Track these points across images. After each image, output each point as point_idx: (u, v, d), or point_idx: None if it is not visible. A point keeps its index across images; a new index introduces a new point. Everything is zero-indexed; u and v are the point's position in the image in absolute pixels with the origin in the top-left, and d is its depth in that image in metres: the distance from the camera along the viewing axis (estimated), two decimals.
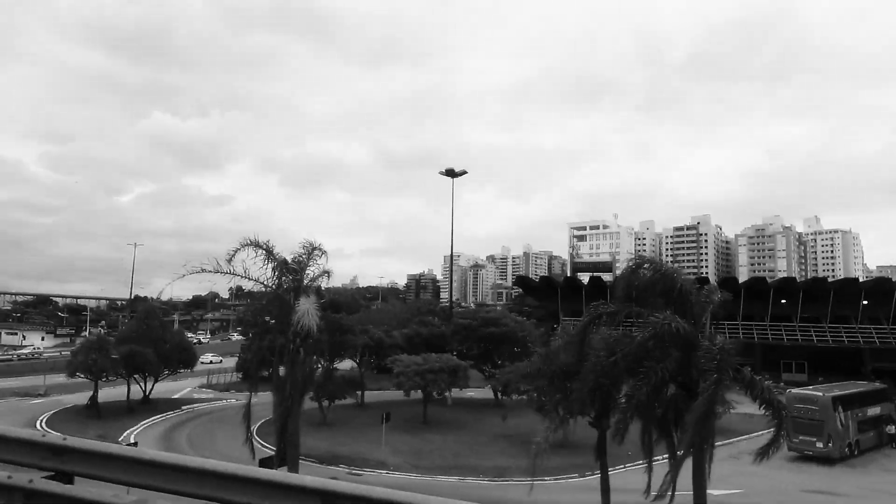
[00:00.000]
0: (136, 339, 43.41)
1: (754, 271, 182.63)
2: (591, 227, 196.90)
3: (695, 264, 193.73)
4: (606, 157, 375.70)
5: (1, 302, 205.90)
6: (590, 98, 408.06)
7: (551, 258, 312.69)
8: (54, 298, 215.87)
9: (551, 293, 73.40)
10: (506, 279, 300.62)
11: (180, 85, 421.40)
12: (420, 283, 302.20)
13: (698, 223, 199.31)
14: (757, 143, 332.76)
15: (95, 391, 42.88)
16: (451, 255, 73.67)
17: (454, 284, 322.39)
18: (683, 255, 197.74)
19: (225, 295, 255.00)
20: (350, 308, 43.83)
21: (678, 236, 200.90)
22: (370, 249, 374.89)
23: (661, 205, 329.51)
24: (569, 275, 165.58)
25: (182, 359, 46.01)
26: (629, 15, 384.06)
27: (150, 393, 45.43)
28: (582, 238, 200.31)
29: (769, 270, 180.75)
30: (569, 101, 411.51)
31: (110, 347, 40.58)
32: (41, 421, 40.32)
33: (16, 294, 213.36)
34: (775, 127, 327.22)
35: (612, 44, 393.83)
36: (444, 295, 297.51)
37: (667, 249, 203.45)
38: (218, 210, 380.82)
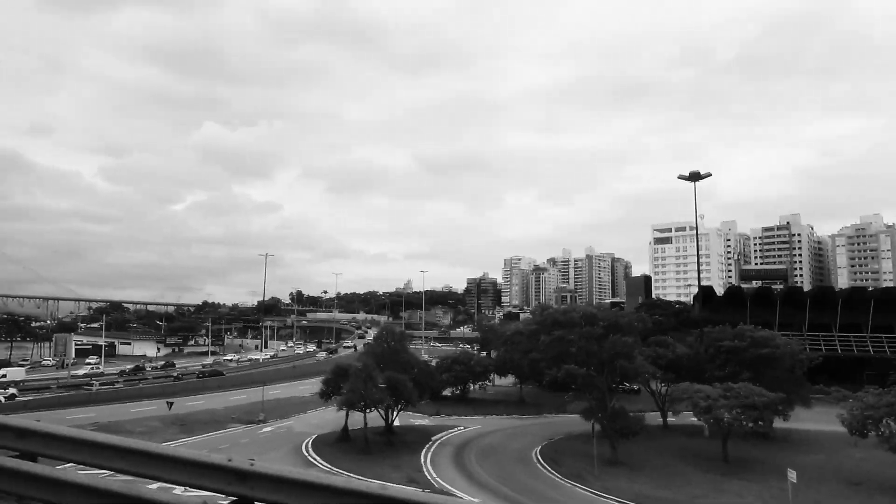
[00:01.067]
0: (386, 363, 40.59)
1: (855, 273, 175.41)
2: (677, 229, 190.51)
3: (786, 267, 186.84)
4: (649, 158, 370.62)
5: (77, 308, 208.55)
6: (631, 98, 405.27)
7: (614, 260, 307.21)
8: (126, 304, 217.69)
9: (736, 304, 69.27)
10: (568, 282, 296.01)
11: (229, 97, 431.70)
12: (481, 287, 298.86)
13: (788, 223, 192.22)
14: (808, 140, 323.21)
15: (352, 420, 40.14)
16: (699, 264, 69.60)
17: (514, 289, 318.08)
18: (774, 256, 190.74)
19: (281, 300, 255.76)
20: (630, 330, 40.29)
21: (768, 237, 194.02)
22: (412, 254, 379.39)
23: (707, 207, 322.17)
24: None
25: (431, 385, 43.02)
26: (671, 12, 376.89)
27: (392, 422, 42.49)
28: (664, 241, 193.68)
29: (872, 272, 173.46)
30: (610, 101, 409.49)
31: (377, 375, 37.61)
32: (307, 452, 37.59)
33: (90, 300, 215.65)
34: (826, 123, 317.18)
35: (655, 43, 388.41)
36: (505, 299, 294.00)
37: (755, 251, 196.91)
38: (265, 217, 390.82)
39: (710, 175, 49.48)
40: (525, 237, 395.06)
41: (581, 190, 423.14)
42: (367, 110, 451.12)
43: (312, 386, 57.93)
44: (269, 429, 45.50)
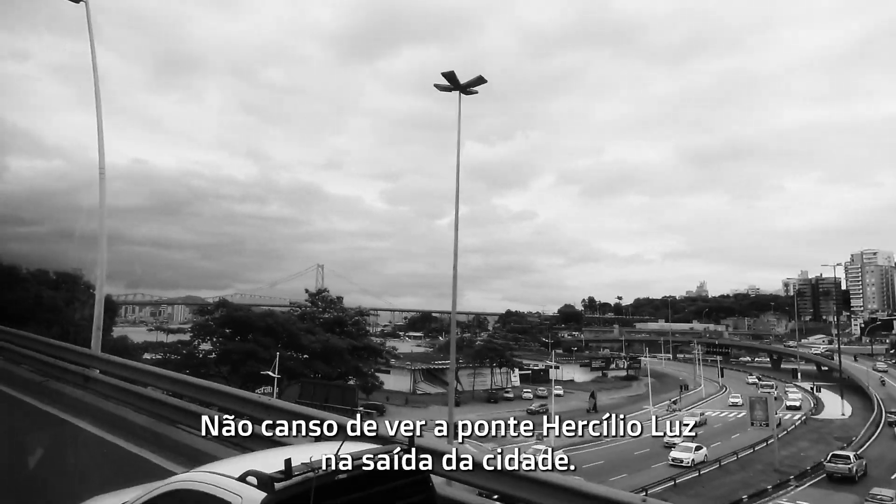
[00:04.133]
0: None
1: None
2: None
3: None
4: None
5: (393, 318, 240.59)
6: None
7: None
8: (434, 314, 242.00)
9: None
10: None
11: (488, 114, 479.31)
12: (819, 289, 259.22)
13: None
14: None
15: None
16: None
17: (869, 289, 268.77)
18: None
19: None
20: None
21: None
22: (672, 253, 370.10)
23: None
24: None
25: None
26: None
27: None
28: None
29: None
30: None
31: None
32: None
33: (404, 311, 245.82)
34: None
35: None
36: (856, 302, 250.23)
37: None
38: (520, 225, 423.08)
39: None
40: (804, 228, 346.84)
41: (882, 166, 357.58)
42: (622, 109, 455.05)
43: None
44: None
